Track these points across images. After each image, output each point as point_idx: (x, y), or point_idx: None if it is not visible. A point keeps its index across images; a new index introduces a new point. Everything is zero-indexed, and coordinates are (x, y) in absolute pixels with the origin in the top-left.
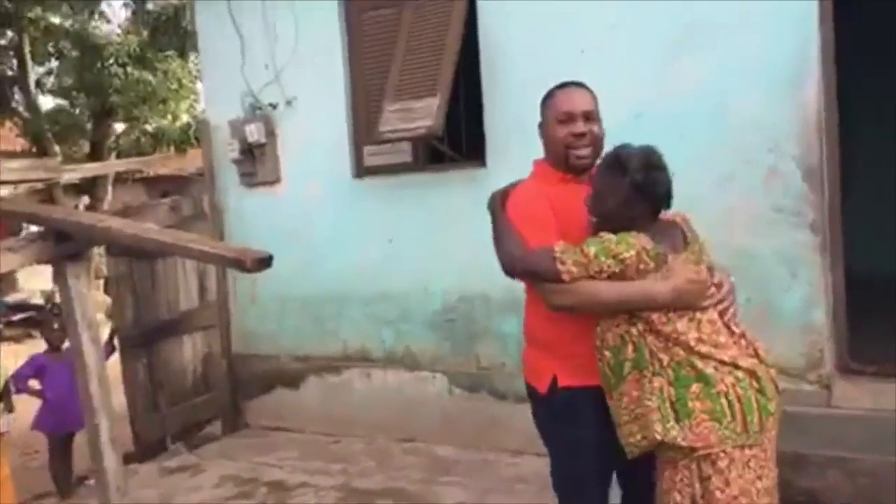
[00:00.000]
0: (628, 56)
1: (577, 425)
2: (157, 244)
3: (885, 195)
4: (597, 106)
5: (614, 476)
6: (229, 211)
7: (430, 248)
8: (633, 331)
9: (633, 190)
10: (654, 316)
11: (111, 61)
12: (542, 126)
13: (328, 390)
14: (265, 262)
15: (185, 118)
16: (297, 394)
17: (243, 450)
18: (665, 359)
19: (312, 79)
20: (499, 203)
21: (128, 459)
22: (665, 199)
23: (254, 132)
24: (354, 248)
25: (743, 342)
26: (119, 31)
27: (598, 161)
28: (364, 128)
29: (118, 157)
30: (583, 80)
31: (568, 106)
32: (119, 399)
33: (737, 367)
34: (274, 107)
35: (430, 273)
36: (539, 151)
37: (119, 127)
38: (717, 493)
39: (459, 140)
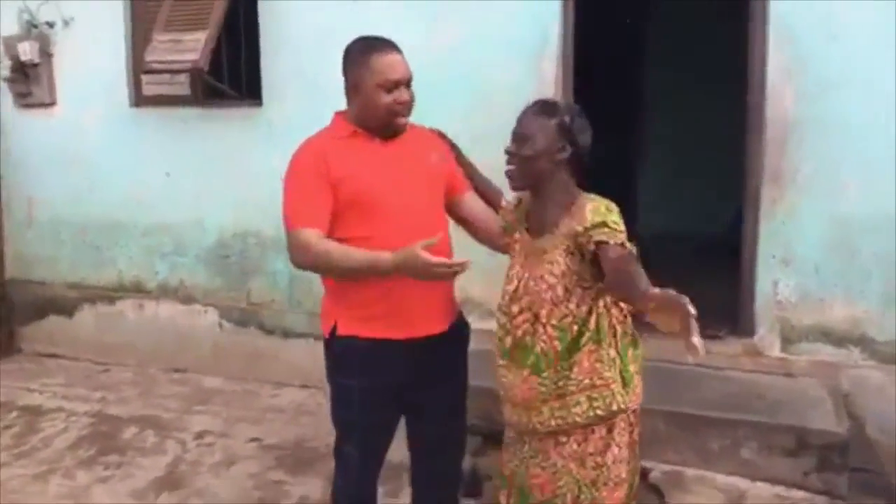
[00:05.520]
0: (397, 20)
1: (350, 374)
2: None
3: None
4: None
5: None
6: (2, 130)
7: (207, 184)
8: (601, 303)
9: (561, 130)
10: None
11: None
12: (356, 87)
13: (102, 319)
14: None
15: None
16: (71, 321)
17: (9, 375)
18: (619, 330)
19: (92, 0)
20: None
21: None
22: (588, 154)
23: (27, 50)
24: (131, 178)
25: None
26: None
27: (524, 111)
28: (143, 56)
29: None
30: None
31: (394, 75)
32: None
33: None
34: (51, 25)
35: (206, 208)
36: (312, 94)
37: None
38: (636, 437)
39: (240, 78)
